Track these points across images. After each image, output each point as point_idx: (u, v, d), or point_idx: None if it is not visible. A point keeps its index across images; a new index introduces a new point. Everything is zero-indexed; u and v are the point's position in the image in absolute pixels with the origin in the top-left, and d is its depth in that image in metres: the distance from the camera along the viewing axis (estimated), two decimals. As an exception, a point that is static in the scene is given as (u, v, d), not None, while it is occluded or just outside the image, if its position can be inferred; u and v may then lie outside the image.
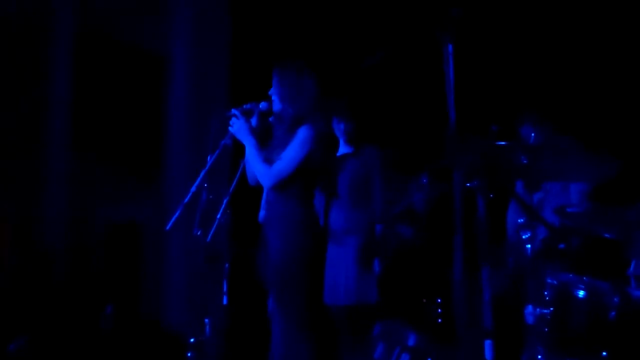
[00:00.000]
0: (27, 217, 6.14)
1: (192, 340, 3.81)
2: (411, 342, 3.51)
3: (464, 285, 2.74)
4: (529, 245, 3.07)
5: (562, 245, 3.73)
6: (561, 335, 3.02)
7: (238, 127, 3.72)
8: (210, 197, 3.70)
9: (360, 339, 4.18)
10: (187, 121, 6.48)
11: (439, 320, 4.18)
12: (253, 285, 3.87)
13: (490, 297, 2.72)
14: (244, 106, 3.79)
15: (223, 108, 4.05)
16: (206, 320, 3.86)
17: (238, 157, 3.93)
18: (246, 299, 4.23)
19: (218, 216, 3.76)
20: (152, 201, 6.41)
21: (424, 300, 4.34)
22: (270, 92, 3.79)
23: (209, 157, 3.71)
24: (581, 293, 3.06)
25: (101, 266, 6.33)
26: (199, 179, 3.66)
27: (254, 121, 3.79)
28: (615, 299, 2.98)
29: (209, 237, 3.72)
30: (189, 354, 3.79)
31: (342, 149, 4.58)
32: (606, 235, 3.36)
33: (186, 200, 3.60)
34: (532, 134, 3.61)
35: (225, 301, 3.91)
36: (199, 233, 3.69)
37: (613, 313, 2.96)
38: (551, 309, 3.02)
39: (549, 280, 3.08)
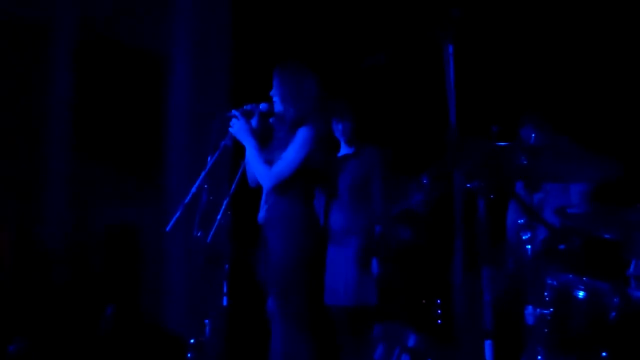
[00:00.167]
0: (27, 218, 6.13)
1: (192, 341, 3.81)
2: (411, 342, 3.51)
3: (464, 286, 2.74)
4: (529, 246, 3.07)
5: (562, 246, 3.73)
6: (561, 336, 3.02)
7: (238, 127, 3.73)
8: (211, 198, 3.70)
9: (360, 340, 4.18)
10: (187, 122, 6.48)
11: (439, 321, 4.18)
12: (253, 286, 3.88)
13: (490, 297, 2.73)
14: (245, 107, 3.80)
15: (224, 109, 4.05)
16: (206, 321, 3.85)
17: (238, 158, 3.93)
18: (246, 300, 4.23)
19: (218, 217, 3.76)
20: (153, 202, 6.40)
21: (424, 301, 4.34)
22: (271, 93, 3.79)
23: (209, 158, 3.71)
24: (581, 294, 3.06)
25: (101, 267, 6.33)
26: (199, 180, 3.66)
27: (254, 122, 3.80)
28: (615, 300, 2.98)
29: (209, 238, 3.72)
30: (189, 355, 3.79)
31: (343, 150, 4.58)
32: (606, 235, 3.36)
33: (186, 201, 3.60)
34: (533, 135, 3.61)
35: (225, 302, 3.91)
36: (199, 234, 3.69)
37: (613, 314, 2.96)
38: (551, 309, 3.02)
39: (549, 281, 3.08)
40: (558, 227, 3.77)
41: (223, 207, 3.76)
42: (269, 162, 3.69)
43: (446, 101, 2.75)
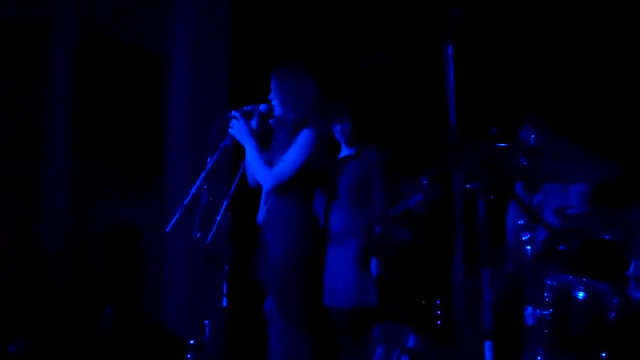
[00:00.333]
0: (27, 218, 6.14)
1: (191, 341, 3.81)
2: (411, 343, 3.52)
3: (464, 286, 2.74)
4: (528, 247, 3.07)
5: (562, 247, 3.73)
6: (561, 337, 3.02)
7: (238, 128, 3.72)
8: (211, 198, 3.70)
9: (360, 341, 4.18)
10: (187, 123, 6.48)
11: (439, 322, 4.18)
12: (253, 287, 3.88)
13: (490, 298, 2.73)
14: (244, 108, 3.80)
15: (223, 110, 4.05)
16: (206, 321, 3.85)
17: (238, 158, 3.93)
18: (246, 301, 4.23)
19: (218, 218, 3.76)
20: (152, 203, 6.40)
21: (424, 302, 4.34)
22: (269, 97, 3.79)
23: (209, 159, 3.71)
24: (581, 294, 3.06)
25: (101, 267, 6.33)
26: (199, 181, 3.66)
27: (254, 123, 3.80)
28: (615, 300, 2.98)
29: (209, 239, 3.72)
30: (188, 356, 3.79)
31: (344, 151, 4.58)
32: (606, 236, 3.36)
33: (186, 202, 3.60)
34: (532, 136, 3.61)
35: (225, 303, 3.91)
36: (199, 235, 3.69)
37: (613, 314, 2.97)
38: (551, 310, 3.02)
39: (549, 282, 3.08)
40: (558, 228, 3.77)
41: (223, 207, 3.76)
42: (269, 163, 3.69)
43: (446, 102, 2.76)
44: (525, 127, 4.04)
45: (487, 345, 2.71)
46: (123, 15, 6.54)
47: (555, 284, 3.08)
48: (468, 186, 2.81)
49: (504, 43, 4.98)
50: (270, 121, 3.85)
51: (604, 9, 4.68)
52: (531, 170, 3.05)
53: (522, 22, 4.96)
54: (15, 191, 6.05)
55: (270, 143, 3.83)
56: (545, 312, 3.02)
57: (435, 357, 3.40)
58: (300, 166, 3.65)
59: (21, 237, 6.03)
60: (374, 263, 4.29)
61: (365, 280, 4.28)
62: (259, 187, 3.84)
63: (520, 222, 3.14)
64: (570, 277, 3.15)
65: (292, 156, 3.65)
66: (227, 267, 3.92)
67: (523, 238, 3.09)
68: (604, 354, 2.92)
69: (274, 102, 3.76)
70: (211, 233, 3.72)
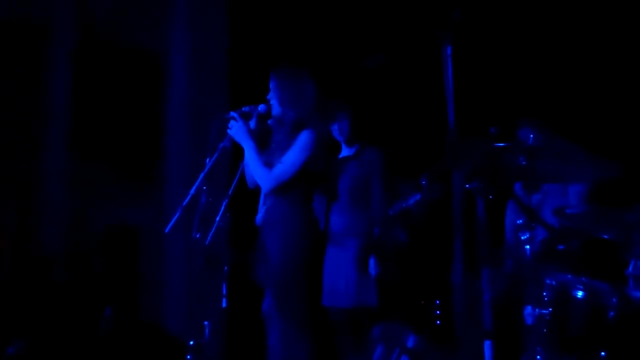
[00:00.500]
0: (26, 219, 6.13)
1: (191, 342, 3.81)
2: (410, 343, 3.52)
3: (464, 286, 2.74)
4: (527, 246, 3.07)
5: (561, 246, 3.73)
6: (560, 336, 3.02)
7: (237, 129, 3.73)
8: (210, 199, 3.70)
9: (359, 341, 4.18)
10: (186, 124, 6.49)
11: (438, 322, 4.18)
12: (252, 288, 3.88)
13: (489, 297, 2.73)
14: (243, 108, 3.80)
15: (222, 110, 4.05)
16: (205, 322, 3.86)
17: (237, 159, 3.93)
18: (245, 301, 4.23)
19: (217, 219, 3.76)
20: (151, 204, 6.41)
21: (423, 302, 4.34)
22: (268, 97, 3.79)
23: (208, 160, 3.71)
24: (580, 294, 3.06)
25: (100, 269, 6.33)
26: (198, 182, 3.66)
27: (252, 124, 3.80)
28: (614, 300, 2.99)
29: (208, 239, 3.72)
30: (188, 357, 3.79)
31: (344, 152, 4.58)
32: (605, 236, 3.36)
33: (185, 202, 3.61)
34: (531, 136, 3.61)
35: (224, 304, 3.91)
36: (198, 236, 3.69)
37: (612, 313, 2.97)
38: (550, 309, 3.02)
39: (548, 281, 3.08)
40: (557, 228, 3.77)
41: (222, 208, 3.76)
42: (268, 164, 3.69)
43: (445, 102, 2.76)
44: (524, 127, 4.04)
45: (487, 344, 2.71)
46: (122, 16, 6.54)
47: (554, 283, 3.09)
48: (467, 186, 2.81)
49: (503, 43, 4.98)
50: (269, 122, 3.85)
51: (602, 9, 4.68)
52: (530, 170, 3.05)
53: (520, 22, 4.96)
54: (14, 192, 6.04)
55: (269, 144, 3.83)
56: (544, 311, 3.02)
57: (434, 356, 3.40)
58: (299, 167, 3.65)
59: (20, 238, 6.03)
60: (373, 263, 4.29)
61: (365, 280, 4.28)
62: (257, 188, 3.84)
63: (519, 221, 3.14)
64: (570, 276, 3.16)
65: (291, 157, 3.65)
66: (226, 267, 3.92)
67: (522, 237, 3.09)
68: (603, 353, 2.92)
69: (272, 102, 3.77)
70: (210, 234, 3.72)
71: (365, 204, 4.38)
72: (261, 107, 3.79)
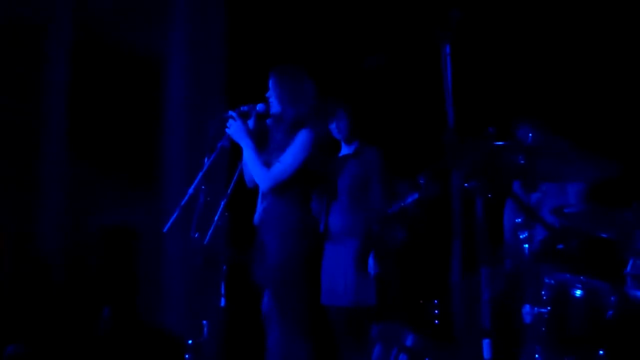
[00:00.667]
0: (24, 220, 6.13)
1: (190, 342, 3.81)
2: (409, 342, 3.52)
3: (462, 285, 2.75)
4: (526, 245, 3.08)
5: (560, 246, 3.74)
6: (559, 335, 3.03)
7: (235, 128, 3.73)
8: (208, 199, 3.70)
9: (358, 340, 4.18)
10: (184, 123, 6.48)
11: (436, 321, 4.19)
12: (251, 287, 3.88)
13: (488, 296, 2.73)
14: (241, 108, 3.80)
15: (220, 110, 4.05)
16: (204, 322, 3.85)
17: (235, 159, 3.93)
18: (244, 301, 4.23)
19: (215, 218, 3.76)
20: (150, 203, 6.40)
21: (421, 301, 4.34)
22: (267, 95, 3.79)
23: (206, 159, 3.71)
24: (578, 292, 3.06)
25: (99, 269, 6.32)
26: (196, 181, 3.66)
27: (251, 123, 3.80)
28: (613, 298, 2.99)
29: (207, 239, 3.72)
30: (187, 356, 3.79)
31: (343, 150, 4.58)
32: (603, 235, 3.37)
33: (183, 202, 3.61)
34: (530, 135, 3.62)
35: (223, 303, 3.91)
36: (196, 235, 3.69)
37: (610, 312, 2.97)
38: (549, 308, 3.02)
39: (547, 280, 3.09)
40: (556, 227, 3.78)
41: (220, 208, 3.76)
42: (267, 164, 3.69)
43: (444, 101, 2.76)
44: (522, 126, 4.04)
45: (486, 343, 2.71)
46: (120, 16, 6.54)
47: (553, 282, 3.09)
48: (466, 185, 2.82)
49: (502, 42, 4.99)
50: (268, 121, 3.85)
51: (601, 9, 4.69)
52: (529, 169, 3.06)
53: (519, 21, 4.96)
54: (12, 193, 6.03)
55: (267, 143, 3.83)
56: (543, 310, 3.02)
57: (433, 356, 3.40)
58: (297, 167, 3.65)
59: (19, 239, 6.02)
60: (371, 262, 4.29)
61: (364, 279, 4.28)
62: (256, 188, 3.84)
63: (518, 220, 3.15)
64: (568, 275, 3.16)
65: (289, 157, 3.65)
66: (225, 267, 3.92)
67: (521, 236, 3.09)
68: (601, 352, 2.92)
69: (271, 100, 3.77)
70: (209, 233, 3.72)
71: (364, 203, 4.39)
72: (260, 107, 3.79)
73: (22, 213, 6.12)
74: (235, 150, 3.84)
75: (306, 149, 3.65)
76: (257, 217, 3.86)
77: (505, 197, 4.15)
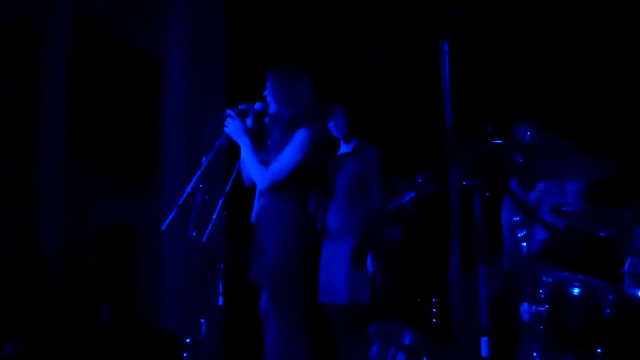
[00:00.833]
0: (22, 220, 6.13)
1: (188, 340, 3.81)
2: (407, 341, 3.51)
3: (461, 284, 2.75)
4: (524, 244, 3.08)
5: (559, 245, 3.74)
6: (557, 333, 3.03)
7: (233, 127, 3.73)
8: (206, 198, 3.70)
9: (355, 339, 4.18)
10: (182, 122, 6.48)
11: (434, 320, 4.19)
12: (249, 286, 3.88)
13: (486, 295, 2.73)
14: (240, 107, 3.80)
15: (218, 109, 4.05)
16: (202, 320, 3.85)
17: (234, 158, 3.93)
18: (242, 299, 4.23)
19: (214, 217, 3.76)
20: (148, 203, 6.40)
21: (419, 300, 4.34)
22: (265, 94, 3.79)
23: (204, 158, 3.71)
24: (576, 291, 3.06)
25: (97, 268, 6.33)
26: (194, 180, 3.66)
27: (249, 122, 3.80)
28: (611, 297, 2.99)
29: (205, 238, 3.71)
30: (185, 355, 3.78)
31: (342, 148, 4.58)
32: (602, 233, 3.37)
33: (182, 201, 3.61)
34: (528, 133, 3.62)
35: (221, 302, 3.91)
36: (194, 234, 3.69)
37: (608, 311, 2.97)
38: (547, 306, 3.02)
39: (545, 279, 3.08)
40: (556, 226, 3.78)
41: (218, 207, 3.76)
42: (265, 163, 3.69)
43: (442, 99, 2.76)
44: (521, 125, 4.04)
45: (484, 341, 2.71)
46: (118, 16, 6.54)
47: (551, 280, 3.09)
48: (464, 183, 2.82)
49: (501, 41, 4.99)
50: (266, 120, 3.85)
51: (599, 8, 4.69)
52: (527, 168, 3.06)
53: (518, 20, 4.96)
54: (10, 192, 6.03)
55: (265, 142, 3.84)
56: (541, 308, 3.02)
57: (431, 354, 3.40)
58: (295, 166, 3.65)
59: (18, 238, 6.02)
60: (370, 261, 4.29)
61: (359, 277, 4.27)
62: (254, 186, 3.84)
63: (516, 219, 3.15)
64: (566, 274, 3.16)
65: (287, 156, 3.65)
66: (223, 266, 3.92)
67: (519, 235, 3.09)
68: (599, 351, 2.92)
69: (269, 99, 3.77)
70: (207, 232, 3.72)
71: (362, 202, 4.38)
72: (258, 106, 3.79)
73: (21, 212, 6.12)
74: (234, 149, 3.84)
75: (304, 149, 3.66)
76: (254, 216, 3.86)
77: (503, 195, 4.15)
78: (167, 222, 3.55)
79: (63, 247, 6.20)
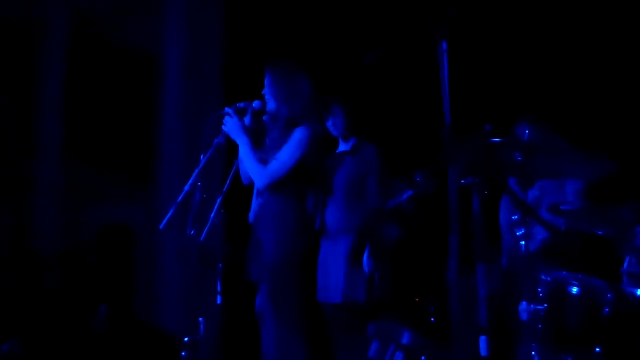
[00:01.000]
0: (20, 219, 6.12)
1: (186, 339, 3.81)
2: (405, 340, 3.51)
3: (459, 282, 2.74)
4: (523, 242, 3.08)
5: (558, 244, 3.74)
6: (555, 332, 3.03)
7: (231, 125, 3.72)
8: (204, 196, 3.69)
9: (353, 338, 4.18)
10: (180, 121, 6.47)
11: (433, 319, 4.19)
12: (247, 284, 3.87)
13: (484, 294, 2.73)
14: (238, 105, 3.79)
15: (216, 107, 4.04)
16: (200, 319, 3.85)
17: (232, 156, 3.92)
18: (240, 298, 4.23)
19: (212, 216, 3.75)
20: (146, 201, 6.40)
21: (417, 299, 4.34)
22: (263, 92, 3.79)
23: (202, 157, 3.70)
24: (575, 290, 3.07)
25: (95, 267, 6.32)
26: (192, 179, 3.65)
27: (247, 120, 3.79)
28: (609, 296, 2.99)
29: (203, 236, 3.71)
30: (183, 353, 3.79)
31: (341, 147, 4.57)
32: (600, 233, 3.37)
33: (180, 199, 3.60)
34: (527, 132, 3.62)
35: (219, 300, 3.91)
36: (192, 233, 3.68)
37: (607, 309, 2.97)
38: (545, 305, 3.03)
39: (543, 277, 3.09)
40: (555, 225, 3.78)
41: (216, 205, 3.75)
42: (263, 161, 3.68)
43: (441, 98, 2.76)
44: (520, 123, 4.04)
45: (482, 340, 2.71)
46: (116, 14, 6.53)
47: (549, 279, 3.09)
48: (463, 182, 2.81)
49: (499, 40, 4.99)
50: (264, 118, 3.84)
51: (598, 7, 4.69)
52: (526, 167, 3.06)
53: (517, 19, 4.96)
54: (7, 191, 6.03)
55: (264, 140, 3.83)
56: (539, 307, 3.02)
57: (430, 353, 3.40)
58: (294, 164, 3.64)
59: (15, 237, 6.02)
60: (366, 259, 4.29)
61: (355, 276, 4.27)
62: (252, 185, 3.83)
63: (515, 217, 3.15)
64: (565, 272, 3.16)
65: (285, 155, 3.64)
66: (221, 264, 3.92)
67: (517, 233, 3.10)
68: (598, 349, 2.92)
69: (267, 98, 3.76)
70: (205, 231, 3.71)
71: (360, 201, 4.38)
72: (256, 104, 3.78)
73: (18, 211, 6.11)
74: (232, 148, 3.83)
75: (302, 147, 3.65)
76: (252, 214, 3.85)
77: (502, 194, 4.15)
78: (165, 220, 3.54)
79: (61, 246, 6.19)
